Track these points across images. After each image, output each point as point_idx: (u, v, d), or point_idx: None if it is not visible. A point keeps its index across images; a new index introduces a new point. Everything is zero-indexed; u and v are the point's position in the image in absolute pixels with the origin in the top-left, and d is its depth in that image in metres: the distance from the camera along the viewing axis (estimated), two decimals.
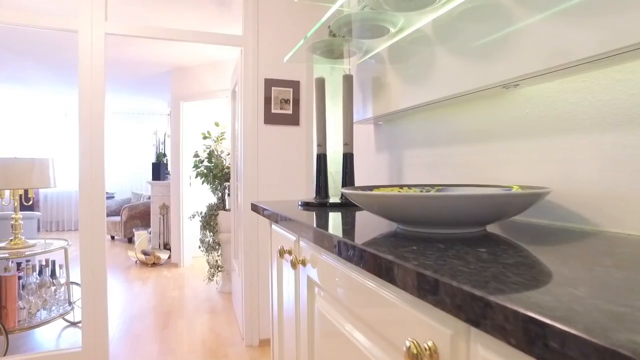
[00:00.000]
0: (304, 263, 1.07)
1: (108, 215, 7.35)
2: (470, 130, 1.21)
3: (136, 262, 5.40)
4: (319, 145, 1.62)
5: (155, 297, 3.97)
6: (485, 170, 1.15)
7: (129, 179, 8.85)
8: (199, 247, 4.02)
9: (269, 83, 2.84)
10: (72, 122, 8.53)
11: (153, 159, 6.33)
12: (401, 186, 1.08)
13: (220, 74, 4.84)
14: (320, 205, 1.41)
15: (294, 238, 1.18)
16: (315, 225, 0.90)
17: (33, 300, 2.82)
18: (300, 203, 1.51)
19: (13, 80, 5.94)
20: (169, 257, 5.39)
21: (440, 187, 1.04)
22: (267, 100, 2.84)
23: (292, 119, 2.89)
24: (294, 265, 1.10)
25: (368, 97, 1.70)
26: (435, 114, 1.39)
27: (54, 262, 3.08)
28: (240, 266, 2.97)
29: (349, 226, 0.90)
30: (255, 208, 1.59)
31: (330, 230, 0.83)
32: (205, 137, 4.01)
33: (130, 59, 4.81)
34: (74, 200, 8.56)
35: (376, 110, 1.62)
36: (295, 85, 2.89)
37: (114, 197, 8.12)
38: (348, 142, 1.56)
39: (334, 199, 1.58)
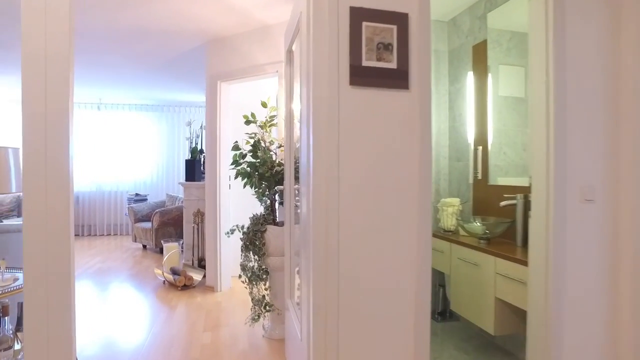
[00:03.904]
0: None
1: (138, 220, 6.43)
2: None
3: (164, 282, 4.37)
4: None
5: (180, 340, 2.86)
6: None
7: (164, 178, 7.94)
8: (239, 276, 2.87)
9: (358, 15, 1.63)
10: (106, 114, 7.73)
11: (187, 155, 5.31)
12: None
13: (269, 44, 3.69)
14: None
15: None
16: None
17: None
18: None
19: None
20: (204, 277, 4.31)
21: None
22: (355, 45, 1.63)
23: (398, 78, 1.67)
24: None
25: None
26: None
27: (21, 306, 2.01)
28: (307, 307, 1.77)
29: None
30: None
31: None
32: (248, 122, 2.86)
33: (158, 28, 3.76)
34: (106, 201, 7.76)
35: None
36: (401, 20, 1.67)
37: (146, 199, 7.22)
38: None
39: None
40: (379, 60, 1.66)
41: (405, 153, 1.67)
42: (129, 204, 6.99)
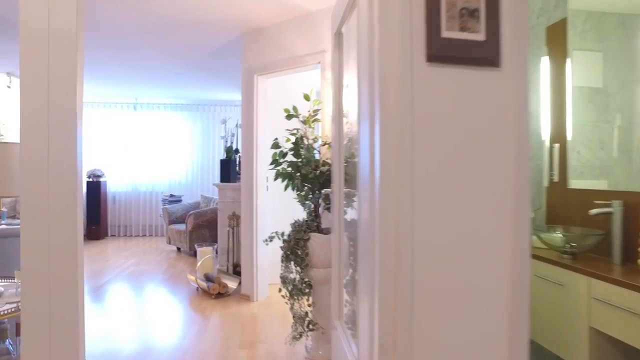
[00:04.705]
0: None
1: (173, 222, 6.28)
2: None
3: (197, 289, 4.14)
4: None
5: (213, 359, 2.59)
6: None
7: (199, 179, 7.80)
8: (279, 289, 2.57)
9: None
10: (142, 114, 7.67)
11: (222, 155, 5.09)
12: None
13: (310, 33, 3.38)
14: None
15: None
16: None
17: None
18: None
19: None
20: (239, 284, 4.05)
21: None
22: (432, 10, 1.28)
23: (486, 53, 1.30)
24: None
25: None
26: None
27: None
28: (368, 334, 1.44)
29: None
30: None
31: None
32: (290, 116, 2.55)
33: (192, 19, 3.52)
34: (142, 201, 7.70)
35: None
36: None
37: (181, 200, 7.08)
38: None
39: None
40: (462, 30, 1.30)
41: (497, 150, 1.30)
42: (163, 205, 6.87)
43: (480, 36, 1.30)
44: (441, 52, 1.29)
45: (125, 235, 7.69)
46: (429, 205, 1.27)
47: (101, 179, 7.23)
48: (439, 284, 1.28)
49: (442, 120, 1.29)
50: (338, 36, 2.16)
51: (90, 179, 7.14)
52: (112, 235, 7.64)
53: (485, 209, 1.29)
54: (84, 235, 7.10)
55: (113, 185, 7.64)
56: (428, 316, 1.28)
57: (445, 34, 1.29)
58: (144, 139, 7.65)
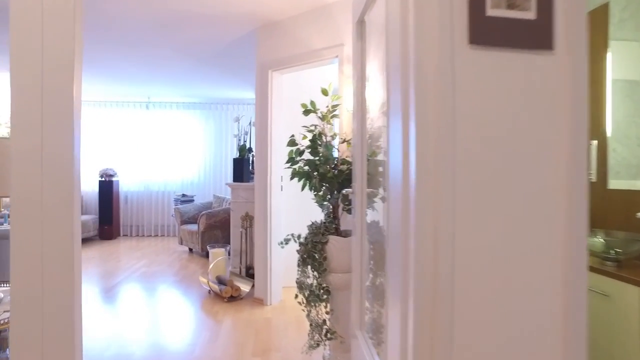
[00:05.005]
0: None
1: (185, 222, 6.19)
2: None
3: (209, 291, 4.01)
4: None
5: None
6: None
7: (212, 179, 7.70)
8: (296, 295, 2.42)
9: None
10: (154, 113, 7.60)
11: (235, 154, 4.96)
12: None
13: (326, 26, 3.23)
14: None
15: None
16: None
17: None
18: None
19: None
20: (252, 287, 3.92)
21: None
22: None
23: (537, 34, 1.14)
24: None
25: None
26: None
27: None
28: (397, 336, 1.29)
29: None
30: None
31: None
32: (308, 111, 2.39)
33: (204, 12, 3.40)
34: (154, 201, 7.63)
35: None
36: None
37: (193, 200, 6.98)
38: None
39: None
40: (509, 7, 1.13)
41: (548, 144, 1.14)
42: (175, 205, 6.79)
43: (530, 14, 1.14)
44: (486, 33, 1.12)
45: (138, 235, 7.63)
46: (472, 205, 1.11)
47: (113, 179, 7.18)
48: (483, 292, 1.12)
49: (486, 110, 1.12)
50: (360, 25, 2.00)
51: (103, 179, 7.10)
52: (124, 235, 7.58)
53: (535, 210, 1.13)
54: (97, 235, 7.05)
55: (125, 184, 7.58)
56: (470, 327, 1.12)
57: (491, 12, 1.13)
58: (157, 138, 7.58)
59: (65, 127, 1.01)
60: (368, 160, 2.05)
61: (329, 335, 2.34)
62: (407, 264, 1.17)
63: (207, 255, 5.35)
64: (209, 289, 3.99)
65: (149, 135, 7.55)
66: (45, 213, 1.01)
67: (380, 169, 2.12)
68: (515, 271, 1.12)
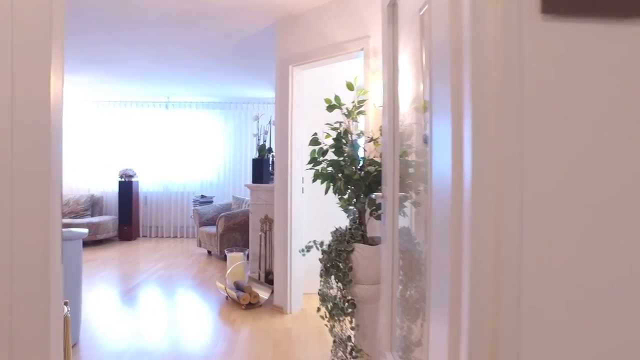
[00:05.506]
0: None
1: (203, 224, 6.06)
2: None
3: (227, 297, 3.85)
4: None
5: None
6: None
7: (231, 179, 7.57)
8: (318, 309, 2.22)
9: None
10: (174, 113, 7.52)
11: (255, 154, 4.80)
12: None
13: (351, 17, 3.02)
14: None
15: None
16: None
17: None
18: None
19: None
20: (272, 294, 3.74)
21: None
22: None
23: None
24: None
25: None
26: None
27: None
28: None
29: None
30: None
31: None
32: (332, 107, 2.19)
33: (221, 5, 3.23)
34: (173, 202, 7.54)
35: None
36: None
37: (212, 201, 6.86)
38: None
39: None
40: None
41: None
42: (194, 206, 6.68)
43: None
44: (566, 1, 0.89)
45: (157, 237, 7.55)
46: (544, 215, 0.88)
47: (133, 179, 7.12)
48: (563, 313, 0.89)
49: (563, 96, 0.90)
50: (392, 8, 1.79)
51: (123, 179, 7.04)
52: (143, 236, 7.52)
53: (629, 221, 0.89)
54: (116, 236, 7.00)
55: (145, 185, 7.52)
56: (543, 352, 0.89)
57: None
58: (176, 138, 7.49)
59: (41, 132, 0.83)
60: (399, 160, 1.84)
61: (354, 353, 2.13)
62: (458, 280, 0.95)
63: (225, 258, 5.20)
64: (226, 295, 3.82)
65: (169, 135, 7.48)
66: (15, 223, 0.83)
67: (411, 170, 1.90)
68: (596, 294, 0.89)
